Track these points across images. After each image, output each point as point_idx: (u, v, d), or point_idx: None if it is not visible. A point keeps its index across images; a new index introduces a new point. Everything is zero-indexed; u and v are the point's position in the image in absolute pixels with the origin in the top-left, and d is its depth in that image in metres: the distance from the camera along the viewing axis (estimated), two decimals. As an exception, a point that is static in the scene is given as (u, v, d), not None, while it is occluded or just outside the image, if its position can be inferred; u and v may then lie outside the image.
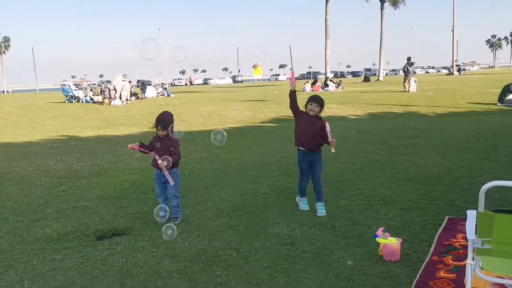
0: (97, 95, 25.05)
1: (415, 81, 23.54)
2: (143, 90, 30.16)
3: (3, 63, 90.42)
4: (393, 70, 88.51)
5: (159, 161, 4.72)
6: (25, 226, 5.03)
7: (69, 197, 6.19)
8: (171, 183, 4.81)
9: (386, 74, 72.10)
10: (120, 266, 3.83)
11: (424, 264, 3.63)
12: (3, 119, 17.40)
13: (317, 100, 5.09)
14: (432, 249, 3.92)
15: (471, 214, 2.77)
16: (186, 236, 4.49)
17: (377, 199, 5.50)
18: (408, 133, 10.85)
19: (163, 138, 4.89)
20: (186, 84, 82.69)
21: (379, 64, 45.42)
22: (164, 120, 4.89)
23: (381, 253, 3.80)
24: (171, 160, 4.75)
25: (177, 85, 76.79)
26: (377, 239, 3.88)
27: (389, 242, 3.80)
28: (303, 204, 5.25)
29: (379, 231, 3.93)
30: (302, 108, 5.16)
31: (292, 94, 5.16)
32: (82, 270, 3.78)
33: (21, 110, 20.63)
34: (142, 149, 4.89)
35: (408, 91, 22.86)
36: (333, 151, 4.99)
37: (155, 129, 4.91)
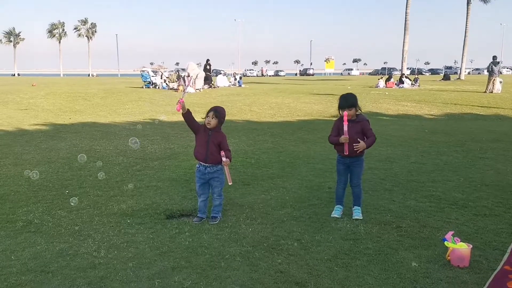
0: (173, 82, 26.02)
1: (500, 82, 21.98)
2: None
3: (90, 48, 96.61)
4: (477, 69, 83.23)
5: (224, 159, 4.55)
6: (103, 200, 5.43)
7: (143, 176, 6.57)
8: (230, 182, 4.63)
9: (469, 73, 68.06)
10: (187, 245, 4.03)
11: (495, 273, 3.44)
12: (88, 101, 18.69)
13: (348, 103, 4.56)
14: (505, 258, 3.68)
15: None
16: (249, 223, 4.60)
17: (449, 203, 5.27)
18: (488, 136, 10.21)
19: (212, 130, 4.66)
20: (257, 75, 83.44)
21: (461, 62, 42.86)
22: (218, 110, 4.72)
23: (449, 257, 3.66)
24: (230, 157, 4.61)
25: (249, 76, 77.70)
26: (445, 243, 3.73)
27: (459, 247, 3.64)
28: (335, 210, 4.84)
29: (448, 235, 3.78)
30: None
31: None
32: (152, 245, 4.02)
33: (104, 93, 21.98)
34: (186, 114, 4.79)
35: (492, 92, 21.44)
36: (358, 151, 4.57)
37: (205, 117, 4.70)
